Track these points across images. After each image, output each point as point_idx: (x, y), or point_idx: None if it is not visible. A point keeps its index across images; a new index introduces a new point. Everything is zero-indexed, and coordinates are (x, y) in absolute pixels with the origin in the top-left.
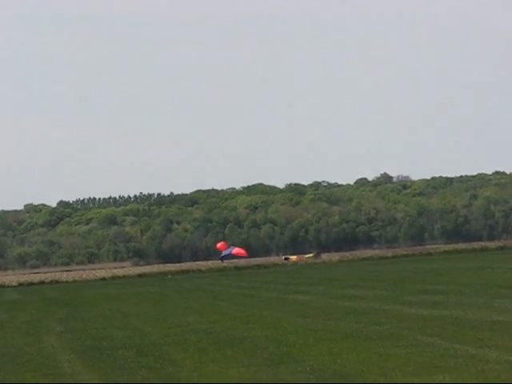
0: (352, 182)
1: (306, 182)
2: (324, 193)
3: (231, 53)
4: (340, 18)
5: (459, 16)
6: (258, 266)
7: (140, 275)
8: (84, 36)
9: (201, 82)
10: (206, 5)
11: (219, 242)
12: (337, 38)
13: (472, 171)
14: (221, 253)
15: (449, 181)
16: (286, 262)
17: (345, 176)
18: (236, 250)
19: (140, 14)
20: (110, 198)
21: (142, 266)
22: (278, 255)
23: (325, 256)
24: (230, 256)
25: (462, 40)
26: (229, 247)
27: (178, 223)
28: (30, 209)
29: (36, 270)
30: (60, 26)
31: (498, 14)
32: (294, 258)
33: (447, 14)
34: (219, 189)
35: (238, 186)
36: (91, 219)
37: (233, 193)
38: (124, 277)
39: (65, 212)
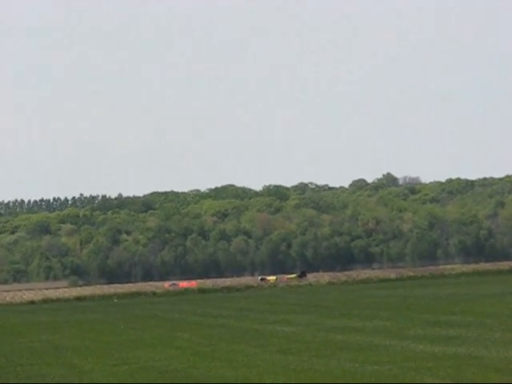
0: (347, 185)
1: (288, 184)
2: (311, 197)
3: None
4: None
5: None
6: (228, 289)
7: (78, 298)
8: None
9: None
10: None
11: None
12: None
13: (498, 173)
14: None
15: (469, 184)
16: (262, 283)
17: (338, 177)
18: (184, 283)
19: None
20: (41, 200)
21: (81, 286)
22: (252, 275)
23: (311, 277)
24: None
25: None
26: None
27: (128, 233)
28: None
29: None
30: None
31: None
32: (272, 278)
33: None
34: (179, 191)
35: (203, 188)
36: (18, 227)
37: (197, 196)
38: (58, 300)
39: None
